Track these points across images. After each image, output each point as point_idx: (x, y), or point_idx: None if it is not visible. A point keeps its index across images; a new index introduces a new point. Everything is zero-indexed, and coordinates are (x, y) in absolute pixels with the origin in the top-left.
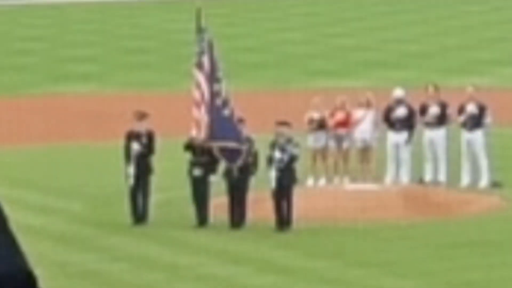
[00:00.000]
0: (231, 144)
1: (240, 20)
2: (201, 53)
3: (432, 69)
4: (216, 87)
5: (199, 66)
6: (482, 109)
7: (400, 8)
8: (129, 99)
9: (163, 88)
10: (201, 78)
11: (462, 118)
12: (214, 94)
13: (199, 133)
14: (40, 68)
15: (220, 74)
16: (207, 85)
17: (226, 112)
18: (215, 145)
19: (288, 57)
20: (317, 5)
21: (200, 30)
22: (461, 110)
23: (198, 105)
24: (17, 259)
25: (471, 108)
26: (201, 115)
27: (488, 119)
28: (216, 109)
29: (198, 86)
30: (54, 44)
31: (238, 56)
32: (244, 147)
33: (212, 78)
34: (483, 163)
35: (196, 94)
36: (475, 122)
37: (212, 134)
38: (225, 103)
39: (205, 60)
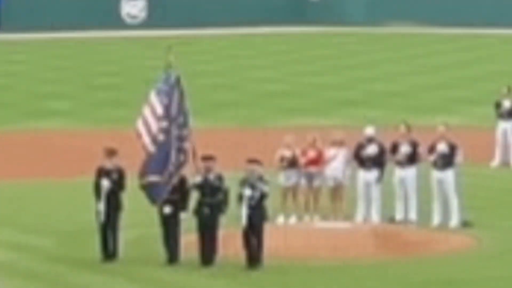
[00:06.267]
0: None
1: (212, 58)
2: (159, 91)
3: (404, 107)
4: (161, 124)
5: (147, 102)
6: (453, 148)
7: (372, 47)
8: (100, 136)
9: (134, 124)
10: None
11: (432, 157)
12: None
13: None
14: (11, 104)
15: (173, 113)
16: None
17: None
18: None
19: (260, 95)
20: (289, 43)
21: (168, 66)
22: (432, 149)
23: (139, 137)
24: None
25: (442, 147)
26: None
27: (459, 158)
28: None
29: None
30: (26, 80)
31: (210, 93)
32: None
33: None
34: (454, 202)
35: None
36: (446, 161)
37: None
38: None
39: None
